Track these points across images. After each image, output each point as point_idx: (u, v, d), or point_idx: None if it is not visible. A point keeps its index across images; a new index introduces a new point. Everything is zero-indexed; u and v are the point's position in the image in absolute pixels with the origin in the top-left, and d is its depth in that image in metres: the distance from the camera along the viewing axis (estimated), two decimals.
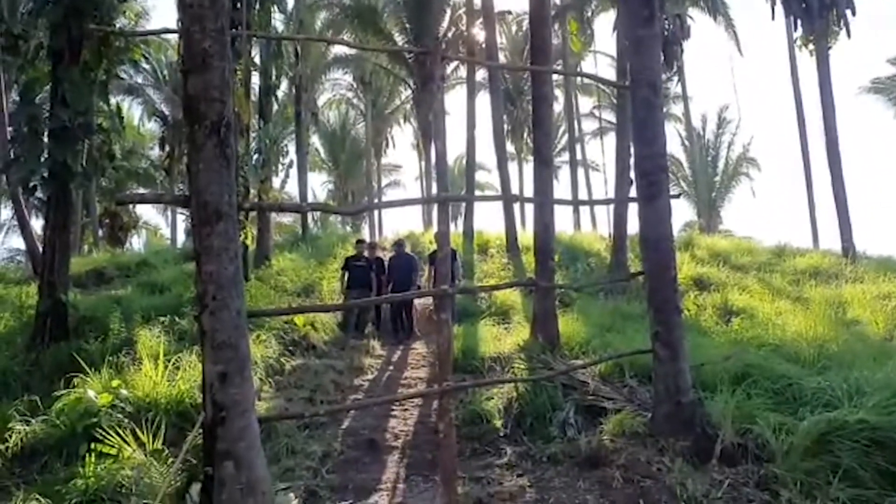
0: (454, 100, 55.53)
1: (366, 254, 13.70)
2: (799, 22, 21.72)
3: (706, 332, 10.24)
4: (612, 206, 17.99)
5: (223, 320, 4.22)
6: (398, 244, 14.36)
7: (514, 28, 34.19)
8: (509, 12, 32.45)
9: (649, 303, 6.78)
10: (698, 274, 15.45)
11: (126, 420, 6.36)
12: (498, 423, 7.15)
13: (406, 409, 8.34)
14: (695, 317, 11.56)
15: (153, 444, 5.96)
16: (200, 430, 4.55)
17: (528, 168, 34.12)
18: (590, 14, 25.00)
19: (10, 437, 6.57)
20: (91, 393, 6.75)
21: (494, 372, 8.85)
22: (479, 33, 22.27)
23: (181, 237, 35.48)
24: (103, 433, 5.94)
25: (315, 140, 42.05)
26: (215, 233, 4.24)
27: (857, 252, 19.39)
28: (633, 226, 13.87)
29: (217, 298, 4.22)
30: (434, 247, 12.11)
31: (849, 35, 21.04)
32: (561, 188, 38.99)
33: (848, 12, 20.85)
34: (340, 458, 6.72)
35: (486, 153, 47.44)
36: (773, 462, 5.40)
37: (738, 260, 17.92)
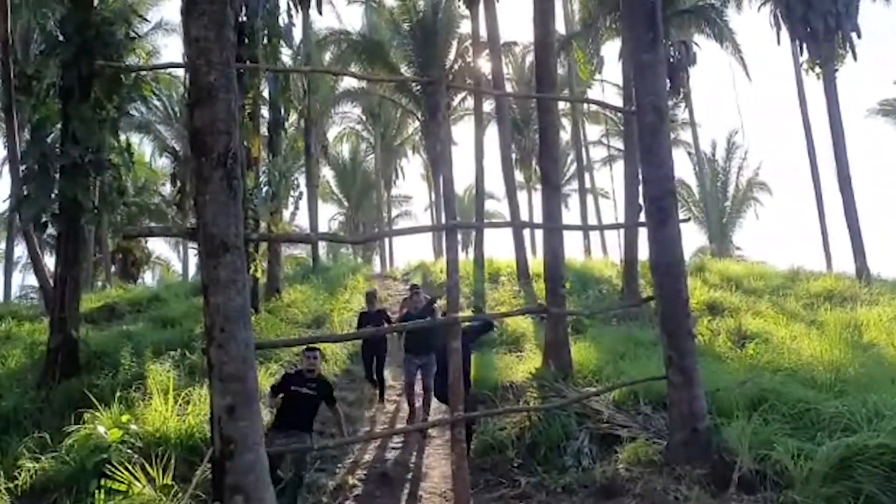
0: (463, 131, 55.96)
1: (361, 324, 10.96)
2: (805, 46, 21.77)
3: (720, 358, 10.11)
4: (622, 232, 17.93)
5: (231, 352, 4.19)
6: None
7: (519, 60, 34.49)
8: (515, 43, 32.75)
9: (662, 328, 6.72)
10: (711, 299, 15.31)
11: (136, 455, 6.34)
12: (511, 453, 7.07)
13: (418, 441, 8.26)
14: (708, 342, 11.42)
15: (163, 479, 5.93)
16: (210, 465, 4.51)
17: (538, 196, 34.16)
18: (596, 42, 25.13)
19: (20, 474, 6.54)
20: (101, 429, 6.73)
21: (507, 401, 8.77)
22: (486, 64, 22.44)
23: (193, 272, 35.62)
24: (113, 469, 5.92)
25: (326, 172, 42.35)
26: (222, 264, 4.22)
27: (871, 274, 19.20)
28: (643, 252, 13.79)
29: (224, 330, 4.20)
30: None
31: (855, 58, 21.06)
32: (571, 216, 38.98)
33: (853, 35, 20.89)
34: (352, 492, 6.65)
35: (495, 183, 47.73)
36: (792, 489, 5.29)
37: (750, 284, 17.76)
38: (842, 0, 20.49)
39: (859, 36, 20.91)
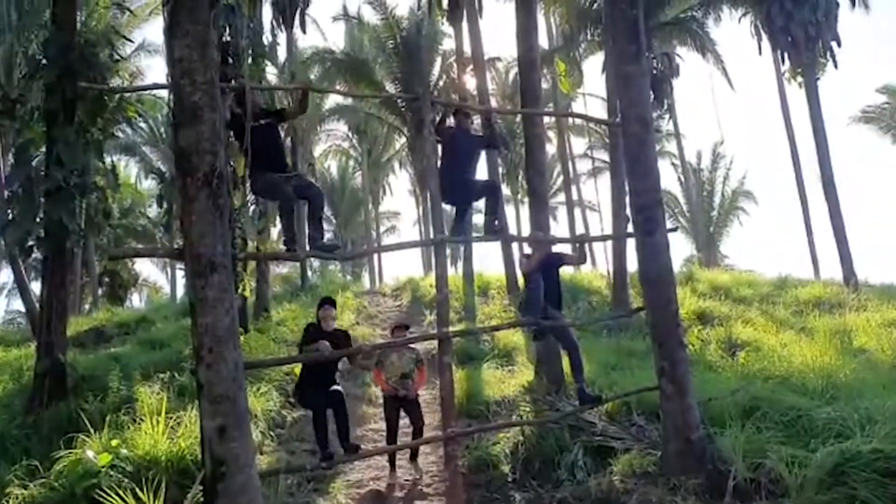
0: None
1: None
2: (786, 55, 21.97)
3: (712, 367, 10.12)
4: (610, 244, 17.98)
5: (220, 373, 4.16)
6: None
7: (503, 75, 34.64)
8: (499, 59, 32.88)
9: (653, 338, 6.72)
10: (701, 308, 15.34)
11: (126, 480, 6.24)
12: (505, 468, 7.03)
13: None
14: (699, 351, 11.44)
15: (154, 503, 5.84)
16: (201, 487, 4.45)
17: (526, 210, 34.21)
18: (578, 57, 25.27)
19: (9, 502, 6.44)
20: (90, 453, 6.65)
21: (500, 416, 8.73)
22: (470, 80, 22.53)
23: (181, 293, 35.40)
24: (103, 494, 5.84)
25: None
26: (210, 284, 4.20)
27: (858, 280, 19.29)
28: (632, 262, 13.82)
29: (213, 351, 4.16)
30: None
31: (836, 66, 21.27)
32: (559, 229, 39.07)
33: (834, 44, 21.10)
34: None
35: None
36: (787, 496, 5.28)
37: (739, 293, 17.84)
38: (821, 9, 20.71)
39: (839, 44, 21.13)
